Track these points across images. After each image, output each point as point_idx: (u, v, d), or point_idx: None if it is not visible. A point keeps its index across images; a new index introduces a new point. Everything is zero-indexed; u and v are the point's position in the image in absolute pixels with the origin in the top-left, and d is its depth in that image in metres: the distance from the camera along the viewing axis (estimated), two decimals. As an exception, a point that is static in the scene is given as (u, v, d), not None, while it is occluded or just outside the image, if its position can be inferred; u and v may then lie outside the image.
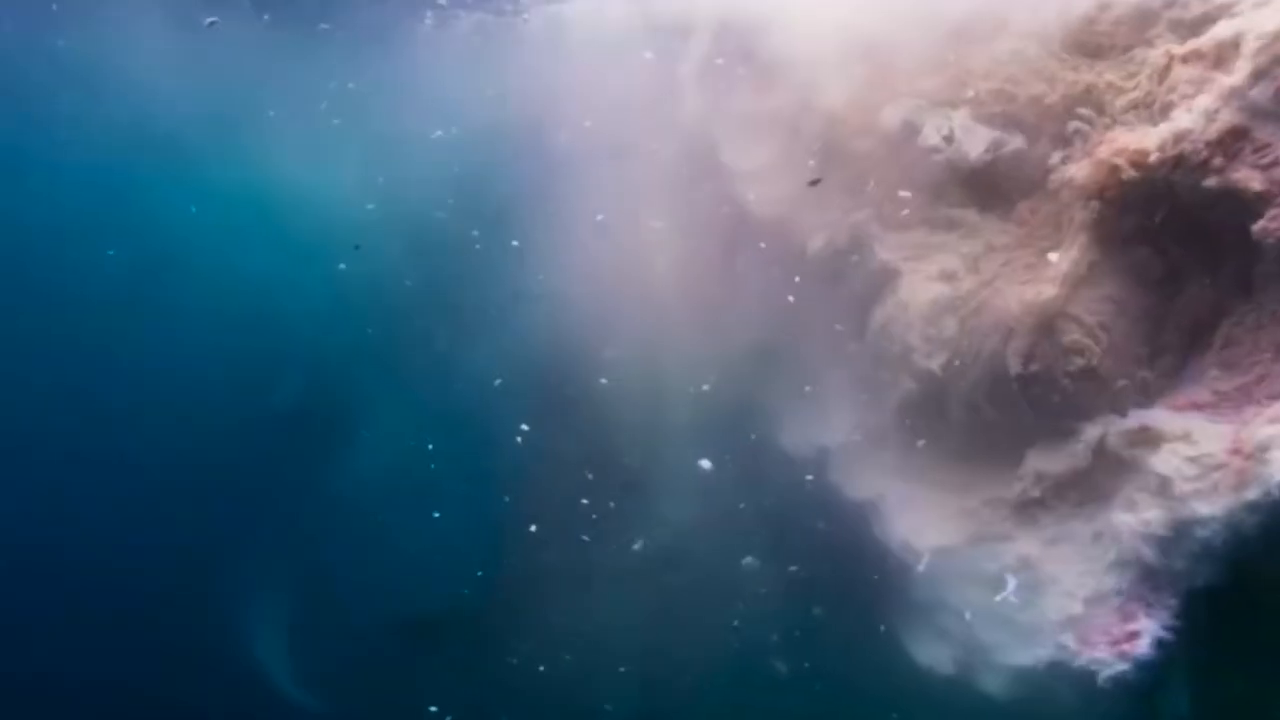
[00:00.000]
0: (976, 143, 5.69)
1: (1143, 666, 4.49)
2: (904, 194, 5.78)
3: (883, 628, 5.31)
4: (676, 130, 7.18)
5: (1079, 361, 4.76)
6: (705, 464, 5.33)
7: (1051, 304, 4.88)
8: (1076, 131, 5.29)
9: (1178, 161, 4.58)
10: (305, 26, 12.19)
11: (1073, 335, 4.80)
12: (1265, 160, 4.30)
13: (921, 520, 5.29)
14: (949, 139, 5.73)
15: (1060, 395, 4.81)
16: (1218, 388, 4.55)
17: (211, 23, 11.43)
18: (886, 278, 5.57)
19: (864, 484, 5.52)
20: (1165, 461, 4.48)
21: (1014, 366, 4.92)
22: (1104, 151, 4.87)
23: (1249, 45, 4.42)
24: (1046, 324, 4.86)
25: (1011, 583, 4.79)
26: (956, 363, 5.25)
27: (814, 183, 5.77)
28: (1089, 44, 5.48)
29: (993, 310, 5.01)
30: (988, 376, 5.04)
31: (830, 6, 6.67)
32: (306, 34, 12.01)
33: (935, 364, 5.27)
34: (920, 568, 5.10)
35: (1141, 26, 5.27)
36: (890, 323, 5.49)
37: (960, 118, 5.79)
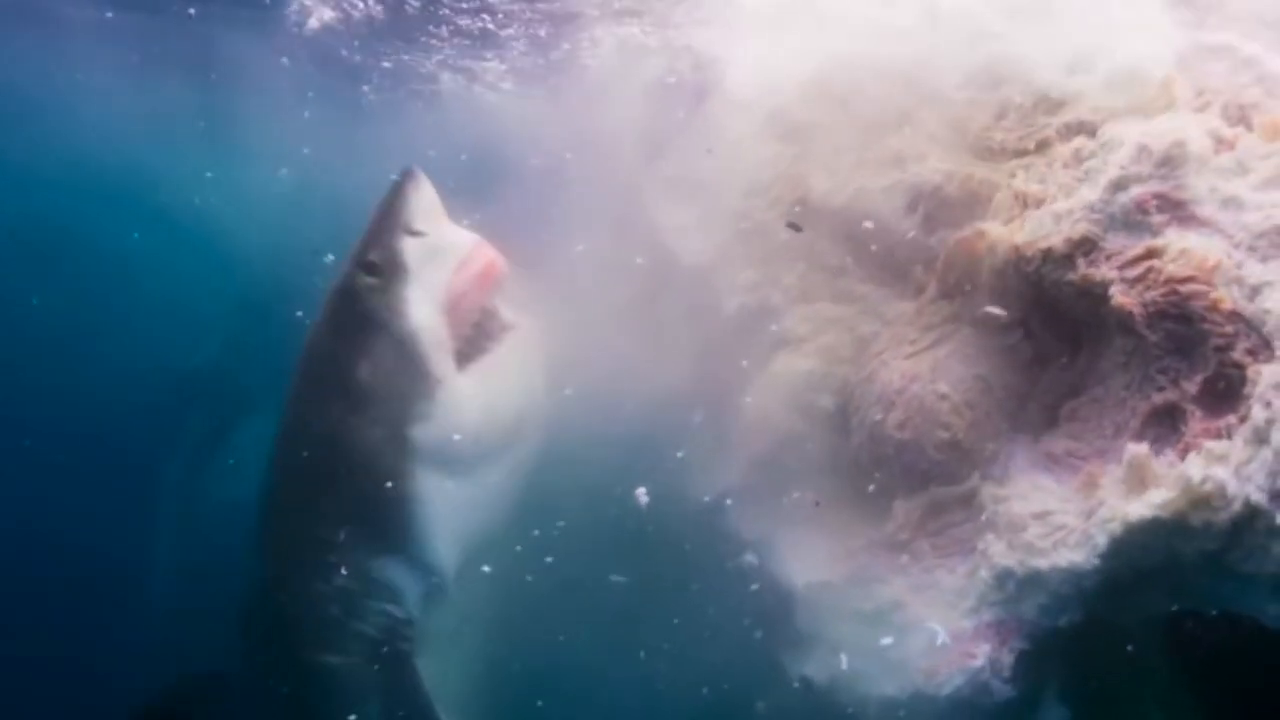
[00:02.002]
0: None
1: (980, 686, 4.98)
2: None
3: (763, 649, 5.74)
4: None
5: (943, 435, 5.28)
6: (642, 494, 5.75)
7: (926, 382, 5.40)
8: (967, 220, 5.80)
9: (1045, 256, 5.13)
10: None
11: (942, 411, 5.33)
12: (1118, 262, 4.88)
13: (804, 559, 5.77)
14: (795, 227, 6.42)
15: (927, 463, 5.33)
16: (1067, 458, 5.10)
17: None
18: (779, 345, 6.05)
19: (755, 526, 5.99)
20: (1017, 518, 5.00)
21: (890, 434, 5.43)
22: (979, 243, 5.41)
23: (1114, 156, 4.98)
24: (919, 399, 5.38)
25: (940, 634, 5.26)
26: (823, 429, 5.77)
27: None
28: (984, 144, 6.04)
29: (879, 382, 5.55)
30: (869, 440, 5.54)
31: (758, 85, 7.31)
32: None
33: (799, 430, 5.85)
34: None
35: (1028, 133, 5.86)
36: (769, 388, 5.98)
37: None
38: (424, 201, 6.68)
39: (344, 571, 6.53)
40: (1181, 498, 4.42)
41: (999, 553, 5.07)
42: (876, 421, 5.63)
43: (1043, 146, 5.72)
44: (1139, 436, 4.84)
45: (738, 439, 6.31)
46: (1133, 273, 4.83)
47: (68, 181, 18.06)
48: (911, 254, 6.13)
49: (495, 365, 6.57)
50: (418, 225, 6.59)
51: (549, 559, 6.31)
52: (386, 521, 6.47)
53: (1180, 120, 5.01)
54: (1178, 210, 4.86)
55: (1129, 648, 5.11)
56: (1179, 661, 5.08)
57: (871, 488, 5.68)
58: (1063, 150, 5.47)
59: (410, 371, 6.38)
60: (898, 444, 5.56)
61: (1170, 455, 4.66)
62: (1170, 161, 4.84)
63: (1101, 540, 4.66)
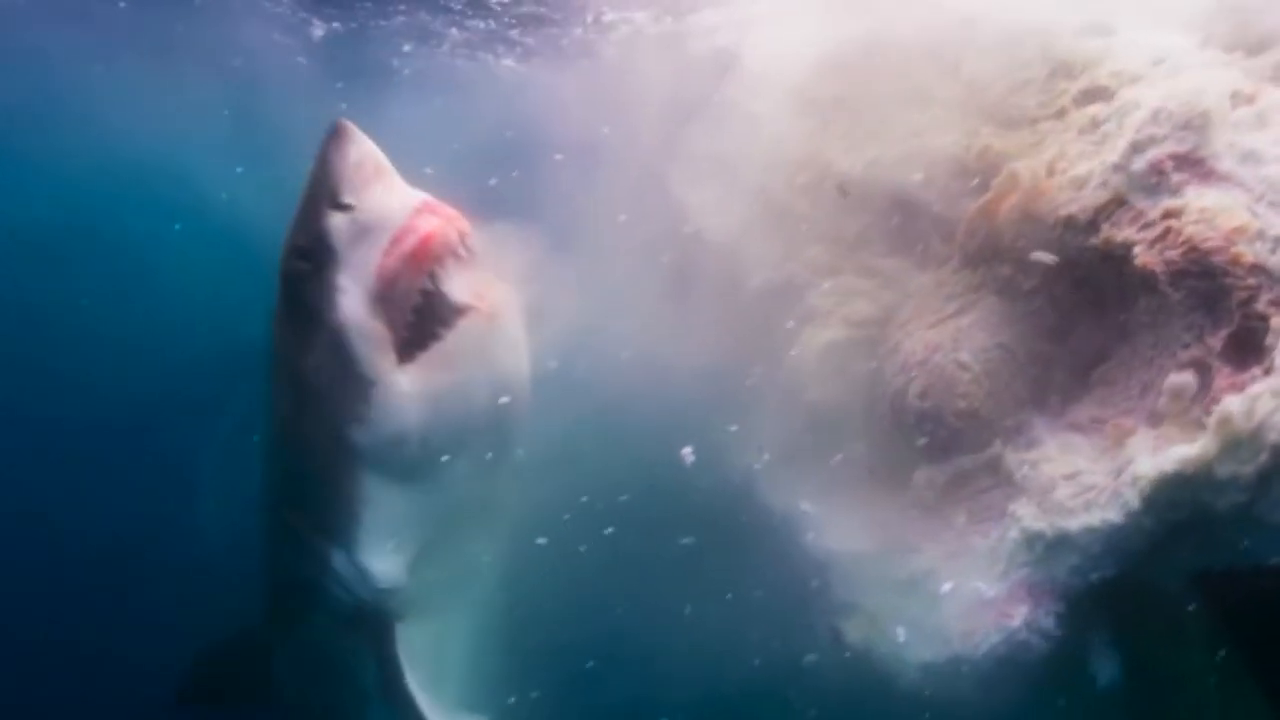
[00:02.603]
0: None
1: (1018, 645, 5.05)
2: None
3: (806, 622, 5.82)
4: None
5: (962, 405, 5.33)
6: (688, 453, 5.79)
7: (947, 352, 5.46)
8: (986, 190, 5.83)
9: (1067, 222, 5.17)
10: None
11: (962, 380, 5.39)
12: (1140, 224, 4.91)
13: (838, 529, 5.84)
14: (844, 191, 6.39)
15: (948, 432, 5.38)
16: (1095, 418, 5.14)
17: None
18: (807, 318, 6.10)
19: (787, 499, 6.06)
20: (1046, 480, 5.06)
21: (912, 404, 5.49)
22: (1004, 211, 5.46)
23: (1131, 119, 5.01)
24: (940, 369, 5.44)
25: (983, 590, 5.31)
26: (855, 399, 5.81)
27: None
28: (1003, 114, 6.07)
29: (902, 353, 5.60)
30: (892, 410, 5.60)
31: (781, 65, 7.37)
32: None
33: (830, 400, 5.85)
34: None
35: (1049, 100, 5.89)
36: (798, 359, 6.03)
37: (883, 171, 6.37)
38: (353, 166, 5.84)
39: (308, 556, 6.33)
40: (1208, 449, 4.47)
41: (1029, 515, 5.13)
42: (898, 391, 5.69)
43: (1062, 113, 5.73)
44: (1172, 393, 4.86)
45: (770, 412, 6.35)
46: (1154, 233, 4.87)
47: (105, 176, 18.30)
48: (932, 225, 6.18)
49: (445, 357, 5.76)
50: (345, 197, 5.80)
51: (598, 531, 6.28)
52: (333, 521, 6.10)
53: (1196, 79, 5.02)
54: (1196, 168, 4.89)
55: (1165, 603, 5.11)
56: (1216, 613, 5.09)
57: (898, 457, 5.73)
58: (1080, 116, 5.48)
59: (343, 369, 5.77)
60: (918, 413, 5.63)
61: (1197, 411, 4.69)
62: (1187, 122, 4.86)
63: (1130, 497, 4.72)
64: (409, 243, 5.72)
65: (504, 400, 5.88)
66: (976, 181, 5.94)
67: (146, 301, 18.74)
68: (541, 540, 6.24)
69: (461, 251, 5.84)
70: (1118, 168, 5.05)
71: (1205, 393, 4.70)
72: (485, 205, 6.49)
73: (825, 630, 5.81)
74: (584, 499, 6.23)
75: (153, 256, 19.45)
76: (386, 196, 5.86)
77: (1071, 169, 5.34)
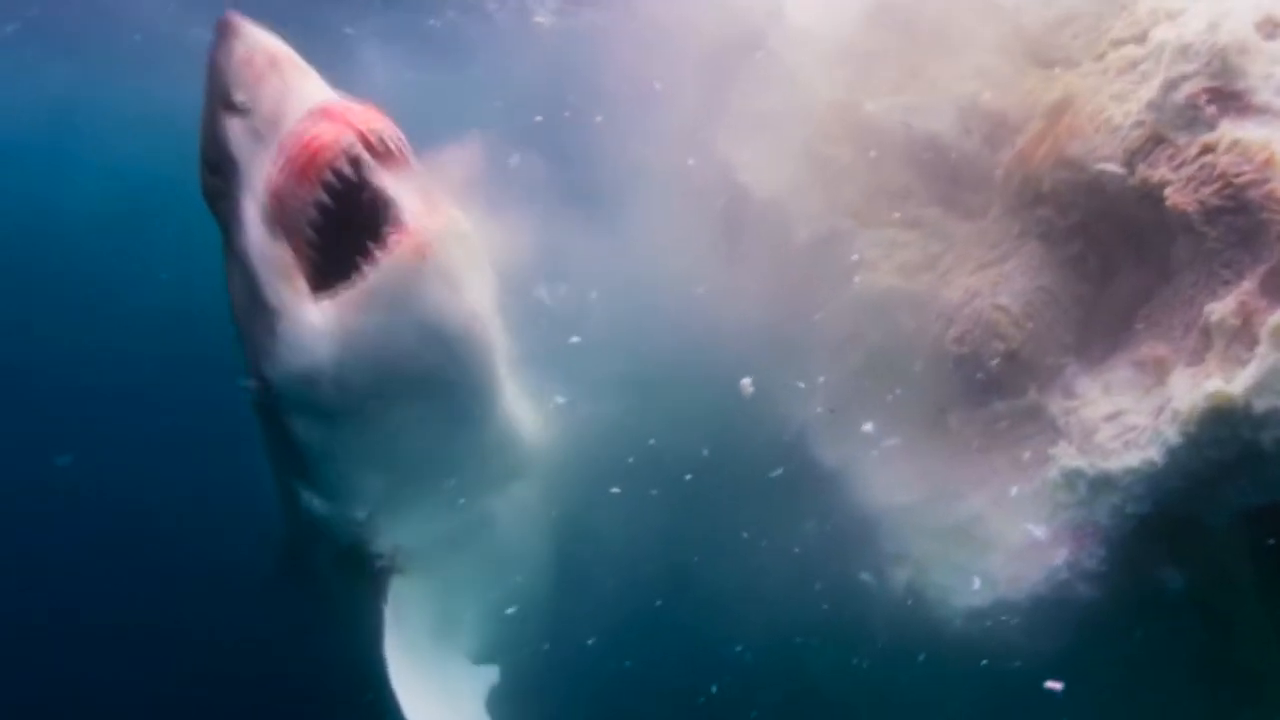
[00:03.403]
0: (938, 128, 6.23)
1: (1061, 586, 5.12)
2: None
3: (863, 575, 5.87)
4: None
5: (1000, 347, 5.33)
6: (748, 384, 5.82)
7: (986, 297, 5.45)
8: (1027, 135, 5.79)
9: (1105, 163, 5.13)
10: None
11: (1000, 323, 5.38)
12: (1177, 161, 4.86)
13: (885, 481, 5.88)
14: (907, 124, 6.33)
15: (986, 375, 5.38)
16: (1137, 359, 5.12)
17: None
18: (854, 270, 6.11)
19: (834, 452, 6.10)
20: (1088, 422, 5.05)
21: (950, 349, 5.49)
22: (1040, 154, 5.42)
23: (1165, 56, 4.95)
24: (978, 313, 5.43)
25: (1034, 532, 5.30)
26: (902, 347, 5.81)
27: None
28: (1046, 57, 6.00)
29: (940, 300, 5.61)
30: (932, 356, 5.61)
31: (819, 13, 7.34)
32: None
33: (878, 348, 5.83)
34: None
35: (1095, 40, 5.81)
36: (847, 310, 6.04)
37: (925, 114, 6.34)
38: (241, 61, 5.21)
39: (282, 490, 6.13)
40: (1247, 381, 4.44)
41: (1070, 457, 5.14)
42: (937, 337, 5.69)
43: (1102, 55, 5.65)
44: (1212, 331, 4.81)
45: (819, 361, 6.37)
46: (1189, 170, 4.81)
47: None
48: (975, 173, 6.14)
49: (363, 296, 5.06)
50: (236, 95, 5.19)
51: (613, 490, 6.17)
52: (285, 458, 5.79)
53: (1228, 9, 4.92)
54: (1233, 101, 4.82)
55: (1214, 541, 5.08)
56: (1267, 550, 5.04)
57: (942, 404, 5.75)
58: (1118, 57, 5.41)
59: (252, 298, 5.26)
60: (956, 358, 5.63)
61: (1238, 348, 4.65)
62: (1220, 55, 4.78)
63: (1170, 434, 4.71)
64: (292, 151, 5.01)
65: (452, 342, 5.24)
66: (1017, 127, 5.89)
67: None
68: (615, 490, 6.18)
69: (378, 158, 5.12)
70: (1152, 105, 4.99)
71: (1246, 329, 4.64)
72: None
73: (868, 579, 5.84)
74: (628, 458, 6.17)
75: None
76: (283, 96, 5.18)
77: (1108, 109, 5.28)
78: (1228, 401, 4.49)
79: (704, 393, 6.25)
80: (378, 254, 5.04)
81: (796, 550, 6.15)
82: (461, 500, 5.89)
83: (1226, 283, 4.78)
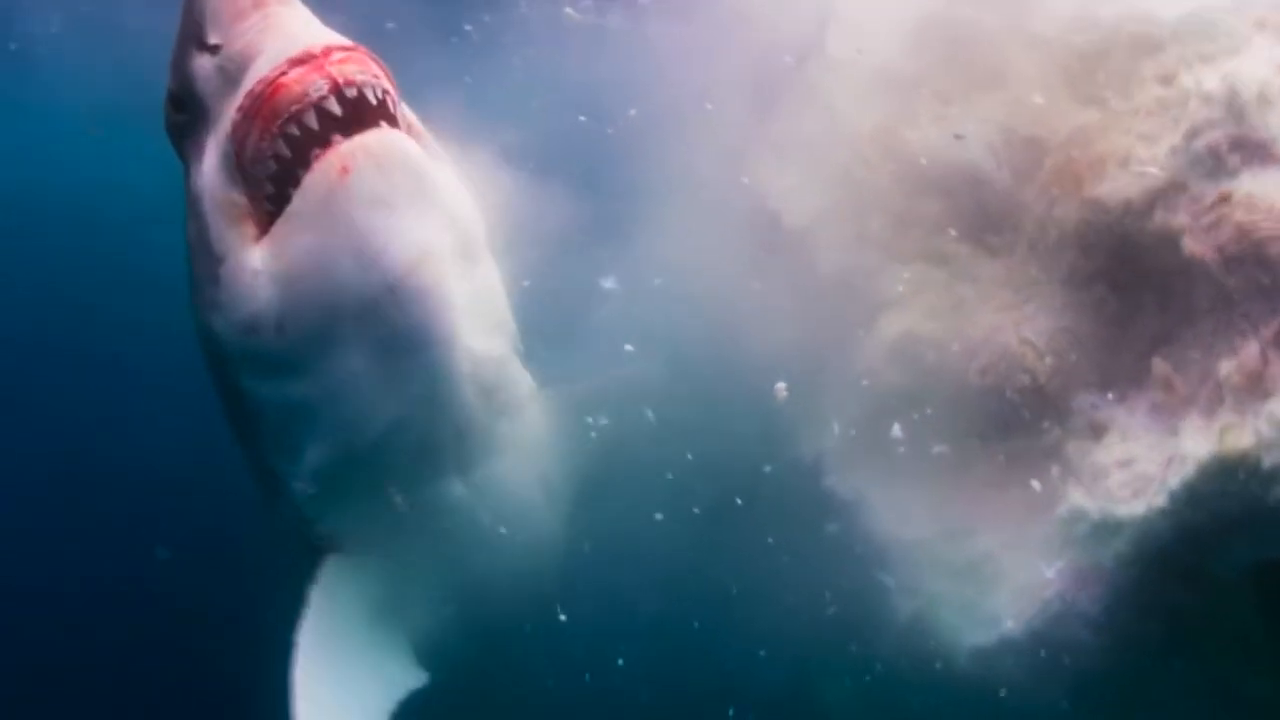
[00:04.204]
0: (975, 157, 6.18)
1: (1066, 630, 5.11)
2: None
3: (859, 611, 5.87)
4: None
5: (1025, 380, 5.31)
6: (782, 388, 5.84)
7: (1010, 331, 5.44)
8: (1058, 173, 5.78)
9: (1126, 207, 5.10)
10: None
11: (1026, 356, 5.36)
12: (1196, 208, 4.83)
13: (900, 513, 5.88)
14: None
15: (1009, 410, 5.36)
16: (1154, 403, 5.09)
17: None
18: (880, 307, 6.11)
19: (850, 484, 6.11)
20: (1100, 466, 5.03)
21: (974, 380, 5.48)
22: (1065, 194, 5.41)
23: (1191, 101, 4.92)
24: (1004, 347, 5.42)
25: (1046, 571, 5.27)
26: (923, 387, 5.79)
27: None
28: (1084, 93, 5.97)
29: (964, 338, 5.60)
30: (954, 391, 5.60)
31: (862, 42, 7.34)
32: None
33: (904, 387, 5.81)
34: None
35: (1128, 78, 5.78)
36: (872, 349, 6.05)
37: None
38: None
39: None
40: (1254, 439, 4.41)
41: (1079, 498, 5.12)
42: (959, 371, 5.68)
43: (1133, 94, 5.62)
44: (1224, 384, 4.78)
45: (838, 396, 6.39)
46: (1208, 218, 4.78)
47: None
48: (1005, 209, 6.11)
49: (288, 217, 4.66)
50: (210, 35, 4.85)
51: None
52: (231, 413, 5.45)
53: (1251, 59, 4.89)
54: (1257, 151, 4.79)
55: (1221, 594, 5.03)
56: (1274, 605, 4.99)
57: (960, 439, 5.74)
58: (1147, 97, 5.39)
59: (201, 243, 4.94)
60: (979, 390, 5.62)
61: (1249, 401, 4.61)
62: (1241, 103, 4.76)
63: (1176, 486, 4.68)
64: (257, 97, 4.65)
65: (394, 280, 4.58)
66: (1048, 163, 5.87)
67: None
68: (609, 498, 6.04)
69: (356, 108, 4.66)
70: (1175, 150, 4.98)
71: (1259, 383, 4.60)
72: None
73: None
74: (640, 474, 6.09)
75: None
76: (261, 34, 4.78)
77: (1135, 151, 5.26)
78: (1236, 455, 4.47)
79: (718, 408, 6.24)
80: (301, 177, 4.57)
81: (805, 574, 6.16)
82: (422, 478, 5.27)
83: (1243, 334, 4.74)
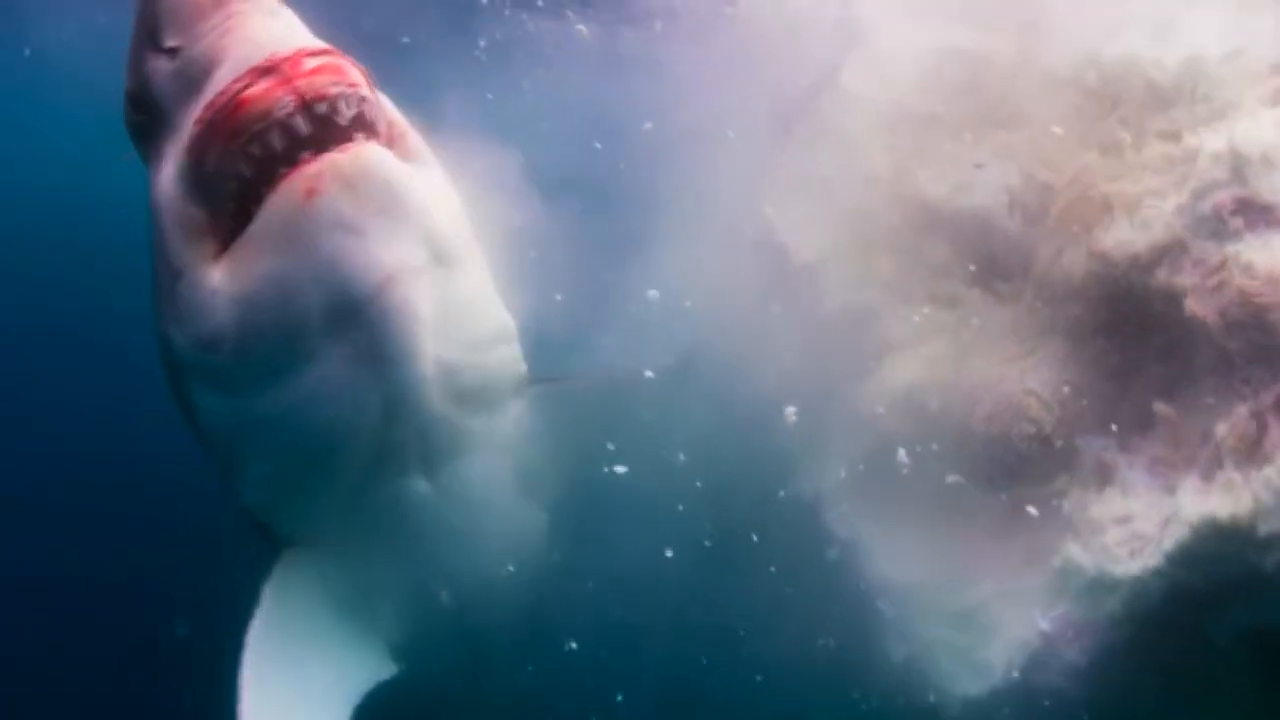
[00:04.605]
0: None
1: (1057, 684, 5.10)
2: None
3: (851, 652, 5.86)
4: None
5: (1030, 429, 5.29)
6: (791, 412, 5.79)
7: (1014, 381, 5.43)
8: (1066, 219, 5.76)
9: (1133, 262, 5.09)
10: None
11: (1030, 405, 5.35)
12: (1200, 270, 4.82)
13: (896, 559, 5.87)
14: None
15: (1014, 458, 5.35)
16: (1154, 459, 5.07)
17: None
18: (885, 349, 6.11)
19: (849, 524, 6.10)
20: (1098, 521, 5.02)
21: (978, 429, 5.47)
22: (1072, 245, 5.40)
23: (1198, 164, 4.91)
24: (1008, 396, 5.41)
25: (1041, 622, 5.32)
26: (927, 433, 5.77)
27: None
28: (1098, 139, 5.96)
29: (969, 385, 5.59)
30: (956, 438, 5.59)
31: (877, 82, 7.34)
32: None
33: (906, 433, 5.79)
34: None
35: (1142, 129, 5.76)
36: (875, 392, 6.03)
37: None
38: None
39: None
40: (1251, 504, 4.39)
41: (1076, 553, 5.10)
42: (963, 418, 5.67)
43: (1143, 146, 5.61)
44: (1221, 446, 4.76)
45: (838, 438, 6.37)
46: (1211, 281, 4.77)
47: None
48: (1014, 256, 6.10)
49: (249, 239, 4.39)
50: (167, 38, 4.51)
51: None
52: (193, 421, 5.16)
53: (1260, 120, 4.88)
54: (1262, 214, 4.77)
55: (1215, 657, 5.01)
56: (1270, 671, 4.96)
57: (958, 486, 5.72)
58: (1157, 153, 5.37)
59: (160, 251, 4.67)
60: (984, 439, 5.60)
61: (1247, 466, 4.59)
62: (1248, 166, 4.74)
63: (1172, 548, 4.67)
64: (217, 111, 4.33)
65: (360, 304, 4.37)
66: (1057, 211, 5.85)
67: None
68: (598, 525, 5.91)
69: (325, 121, 4.37)
70: (1181, 209, 4.97)
71: (1257, 449, 4.58)
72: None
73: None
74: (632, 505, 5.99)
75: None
76: (226, 40, 4.43)
77: (1143, 206, 5.24)
78: (1232, 522, 4.46)
79: (713, 439, 6.19)
80: (266, 196, 4.31)
81: (800, 611, 6.15)
82: (382, 481, 5.03)
83: (1244, 399, 4.72)
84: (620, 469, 5.85)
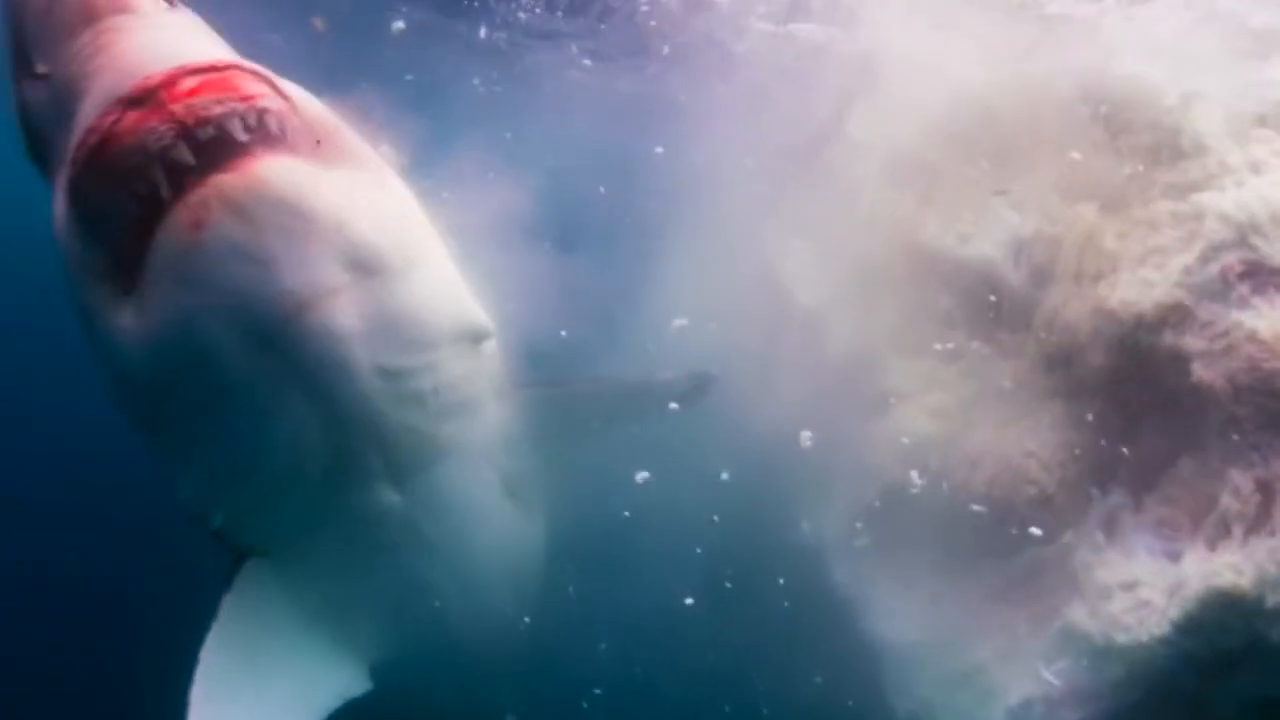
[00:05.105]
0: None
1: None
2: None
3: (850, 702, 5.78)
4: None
5: (1032, 491, 5.22)
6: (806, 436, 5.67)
7: (1013, 442, 5.36)
8: (1071, 276, 5.70)
9: (1138, 322, 5.03)
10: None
11: (1030, 468, 5.28)
12: (1208, 334, 4.75)
13: (897, 616, 5.80)
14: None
15: (1018, 522, 5.28)
16: (1159, 524, 5.00)
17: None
18: (886, 399, 6.03)
19: (851, 577, 6.03)
20: (1103, 587, 4.94)
21: (980, 492, 5.40)
22: (1076, 303, 5.33)
23: (1206, 225, 4.85)
24: (1008, 459, 5.34)
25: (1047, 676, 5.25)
26: (931, 488, 5.71)
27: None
28: (1104, 193, 5.90)
29: (967, 444, 5.52)
30: (958, 499, 5.52)
31: (884, 131, 7.31)
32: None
33: (910, 488, 5.72)
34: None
35: (1149, 184, 5.70)
36: (879, 443, 5.96)
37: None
38: (40, 11, 4.07)
39: None
40: (1258, 576, 4.32)
41: (1081, 619, 5.01)
42: (964, 480, 5.60)
43: (1151, 203, 5.54)
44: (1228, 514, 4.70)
45: (840, 489, 6.30)
46: (1219, 345, 4.70)
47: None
48: (1018, 309, 6.03)
49: (167, 289, 3.96)
50: (37, 60, 4.12)
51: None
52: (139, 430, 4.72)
53: (1267, 183, 4.83)
54: (1273, 278, 4.70)
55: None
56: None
57: (961, 547, 5.65)
58: (1165, 211, 5.31)
59: (72, 292, 4.34)
60: (987, 502, 5.52)
61: (1256, 534, 4.52)
62: (1255, 230, 4.69)
63: (1179, 618, 4.58)
64: (88, 148, 3.89)
65: (276, 337, 4.02)
66: (1063, 266, 5.79)
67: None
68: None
69: (220, 147, 3.88)
70: (1188, 271, 4.90)
71: (1265, 517, 4.51)
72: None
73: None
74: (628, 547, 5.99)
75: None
76: (95, 64, 3.98)
77: (1149, 264, 5.19)
78: (1238, 592, 4.38)
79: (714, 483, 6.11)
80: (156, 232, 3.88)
81: (800, 662, 6.07)
82: (343, 492, 4.69)
83: (1252, 465, 4.65)
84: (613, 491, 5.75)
